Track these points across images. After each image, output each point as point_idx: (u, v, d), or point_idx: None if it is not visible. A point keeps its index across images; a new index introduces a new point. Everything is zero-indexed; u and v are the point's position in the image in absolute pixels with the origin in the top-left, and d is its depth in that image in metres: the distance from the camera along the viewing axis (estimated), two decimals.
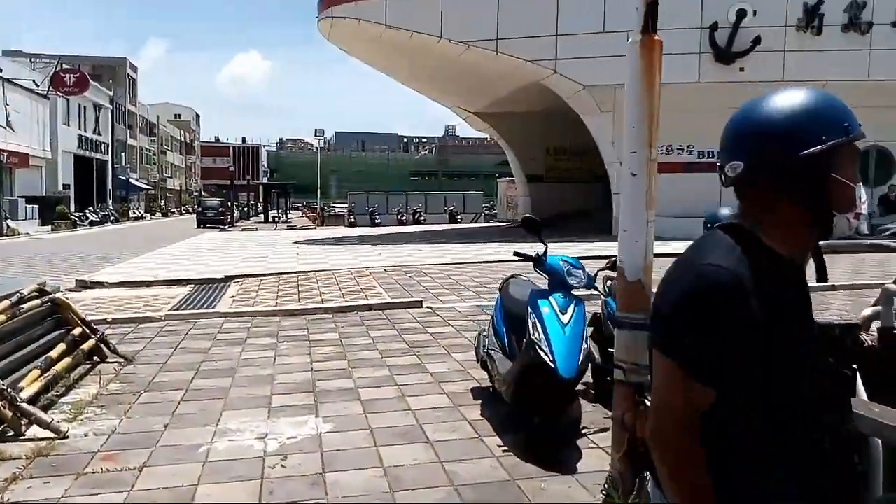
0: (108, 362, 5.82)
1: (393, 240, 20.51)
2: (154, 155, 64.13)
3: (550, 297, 3.92)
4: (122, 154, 51.77)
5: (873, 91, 17.05)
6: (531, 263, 4.36)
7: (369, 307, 8.37)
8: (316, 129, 36.34)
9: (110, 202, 45.26)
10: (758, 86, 17.20)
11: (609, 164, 19.18)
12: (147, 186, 59.35)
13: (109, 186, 46.80)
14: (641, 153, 3.10)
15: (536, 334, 3.68)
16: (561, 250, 14.90)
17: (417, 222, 34.10)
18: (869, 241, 15.68)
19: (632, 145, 3.12)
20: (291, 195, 52.63)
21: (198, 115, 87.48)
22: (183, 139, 76.81)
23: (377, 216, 34.09)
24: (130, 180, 52.43)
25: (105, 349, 5.91)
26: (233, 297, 9.77)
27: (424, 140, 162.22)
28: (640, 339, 2.94)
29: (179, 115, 78.18)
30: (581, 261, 4.37)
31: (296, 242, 20.12)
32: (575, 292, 4.08)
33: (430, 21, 18.49)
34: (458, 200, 37.18)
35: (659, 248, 13.52)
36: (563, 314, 3.78)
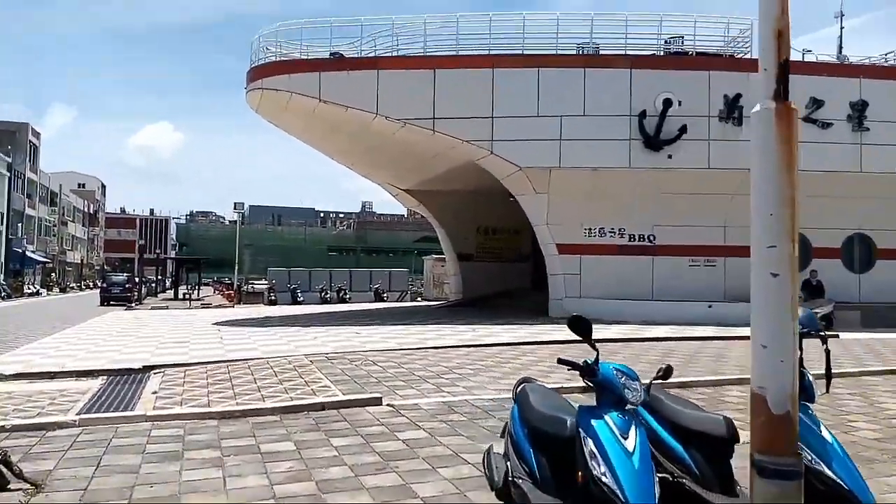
0: (10, 490, 4.63)
1: (322, 321, 19.42)
2: (54, 226, 59.97)
3: (606, 417, 3.28)
4: (19, 224, 47.97)
5: None
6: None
7: (322, 406, 7.41)
8: (235, 203, 34.93)
9: (1, 276, 41.39)
10: (685, 172, 17.98)
11: (544, 244, 19.18)
12: (45, 259, 55.07)
13: (1, 259, 42.94)
14: (784, 247, 2.60)
15: (599, 467, 3.02)
16: (506, 334, 14.47)
17: (342, 301, 32.93)
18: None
19: (769, 238, 2.62)
20: (203, 271, 50.14)
21: (103, 185, 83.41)
22: (86, 210, 72.57)
23: (299, 294, 32.70)
24: (27, 253, 48.43)
25: (6, 472, 4.71)
26: (155, 392, 8.53)
27: (342, 215, 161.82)
28: (788, 490, 2.32)
29: (84, 185, 74.14)
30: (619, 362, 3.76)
31: (216, 324, 18.66)
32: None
33: (366, 97, 18.28)
34: (384, 278, 36.40)
35: (601, 331, 13.01)
36: (625, 438, 3.14)
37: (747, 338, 11.70)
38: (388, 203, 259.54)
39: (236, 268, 35.88)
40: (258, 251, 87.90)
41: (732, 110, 17.86)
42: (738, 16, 18.74)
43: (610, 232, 18.81)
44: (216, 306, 30.04)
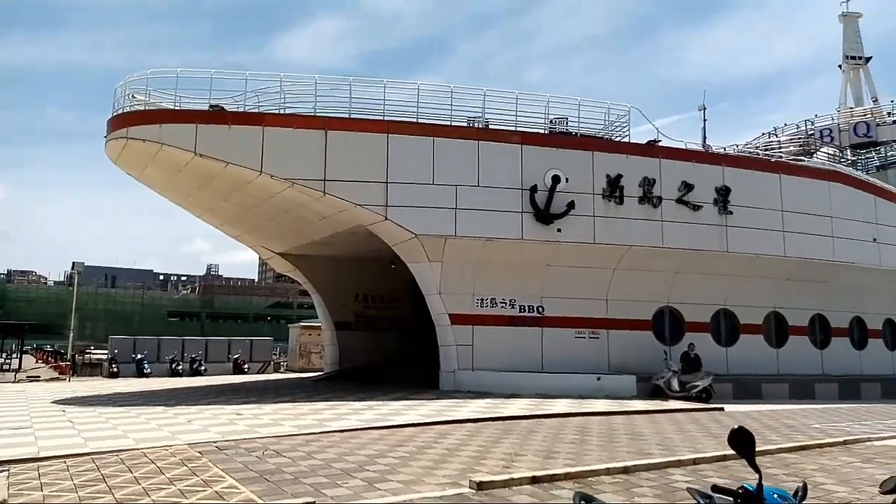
0: None
1: (186, 398, 17.11)
2: None
3: None
4: None
5: (667, 257, 19.16)
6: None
7: None
8: (74, 262, 30.92)
9: None
10: (572, 246, 18.39)
11: (436, 314, 18.55)
12: None
13: None
14: None
15: None
16: (410, 412, 13.40)
17: (196, 373, 29.80)
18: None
19: None
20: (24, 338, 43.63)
21: None
22: None
23: (146, 365, 29.18)
24: None
25: None
26: (4, 502, 6.58)
27: (184, 278, 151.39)
28: None
29: None
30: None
31: (56, 402, 15.78)
32: None
33: (250, 154, 16.97)
34: (245, 347, 33.61)
35: (502, 407, 12.28)
36: None
37: (643, 412, 11.60)
38: (236, 266, 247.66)
39: (71, 335, 31.41)
40: (87, 315, 79.01)
41: (614, 189, 18.69)
42: (618, 101, 19.96)
43: (501, 302, 18.61)
44: (48, 380, 25.84)
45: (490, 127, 18.76)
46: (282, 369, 34.43)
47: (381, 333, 25.09)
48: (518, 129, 18.70)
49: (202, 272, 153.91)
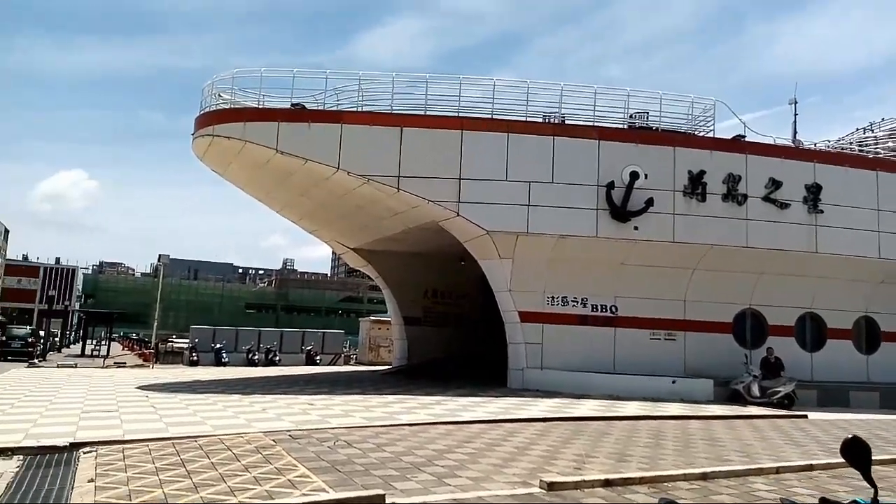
0: None
1: (261, 387, 17.65)
2: None
3: None
4: None
5: (750, 257, 18.30)
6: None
7: None
8: (160, 255, 32.52)
9: None
10: (650, 245, 17.83)
11: (506, 311, 18.40)
12: None
13: None
14: None
15: None
16: (478, 409, 13.36)
17: (271, 363, 30.79)
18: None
19: None
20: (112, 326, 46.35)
21: (6, 231, 77.27)
22: None
23: (224, 355, 30.34)
24: None
25: None
26: (92, 481, 6.92)
27: (262, 272, 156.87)
28: None
29: None
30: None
31: (141, 388, 16.60)
32: None
33: (328, 151, 17.33)
34: (317, 339, 34.47)
35: (572, 408, 11.84)
36: None
37: (720, 417, 10.98)
38: (310, 261, 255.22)
39: (155, 324, 33.05)
40: (170, 306, 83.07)
41: (696, 186, 17.99)
42: (701, 95, 19.21)
43: (573, 301, 18.27)
44: (133, 366, 27.29)
45: (566, 122, 18.43)
46: (352, 362, 35.13)
47: (449, 329, 25.16)
48: (596, 124, 18.29)
49: (279, 266, 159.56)
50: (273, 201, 23.06)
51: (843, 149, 23.06)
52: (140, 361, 31.38)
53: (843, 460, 2.65)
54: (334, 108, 17.97)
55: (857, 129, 34.78)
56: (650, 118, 18.69)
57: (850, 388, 19.20)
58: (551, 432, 11.01)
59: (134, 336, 60.40)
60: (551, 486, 7.13)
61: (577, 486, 7.28)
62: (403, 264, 24.27)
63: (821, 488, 7.76)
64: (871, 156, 21.08)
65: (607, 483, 7.48)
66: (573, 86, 18.65)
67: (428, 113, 17.83)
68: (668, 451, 9.72)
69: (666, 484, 7.72)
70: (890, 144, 24.94)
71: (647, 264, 18.10)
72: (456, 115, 17.83)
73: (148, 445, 8.84)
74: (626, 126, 18.63)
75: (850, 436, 2.62)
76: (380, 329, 34.74)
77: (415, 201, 17.48)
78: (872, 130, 32.43)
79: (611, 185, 17.55)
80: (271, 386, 18.14)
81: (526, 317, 18.04)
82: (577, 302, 18.38)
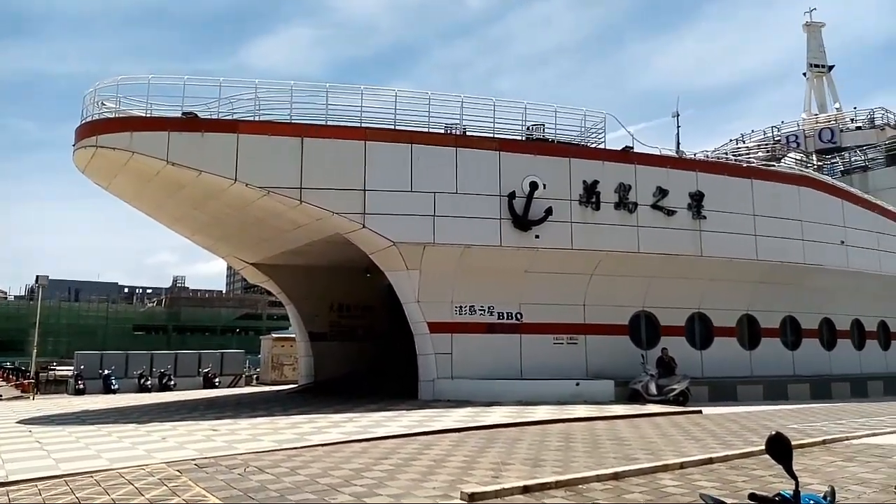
0: None
1: (158, 414, 16.59)
2: None
3: None
4: None
5: (642, 262, 19.30)
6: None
7: None
8: (38, 275, 29.68)
9: None
10: (550, 252, 18.40)
11: (414, 323, 18.37)
12: None
13: None
14: None
15: None
16: (392, 423, 13.17)
17: (166, 388, 29.05)
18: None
19: None
20: None
21: None
22: None
23: (113, 381, 28.33)
24: None
25: None
26: None
27: (150, 291, 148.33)
28: None
29: None
30: None
31: (22, 422, 15.19)
32: None
33: (224, 162, 16.64)
34: (215, 360, 32.90)
35: (484, 416, 12.10)
36: None
37: (624, 417, 11.58)
38: (204, 278, 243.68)
39: (34, 351, 30.35)
40: (50, 330, 76.75)
41: (591, 195, 18.76)
42: (591, 108, 20.09)
43: (480, 310, 18.51)
44: (10, 398, 24.91)
45: (468, 133, 18.71)
46: (253, 382, 33.79)
47: (356, 343, 24.79)
48: (496, 135, 18.68)
49: (168, 284, 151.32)
50: (163, 216, 21.86)
51: (720, 158, 24.91)
52: (18, 393, 28.73)
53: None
54: (229, 118, 17.30)
55: (731, 140, 37.80)
56: (546, 130, 19.33)
57: (737, 383, 20.65)
58: (466, 442, 11.07)
59: (9, 365, 55.24)
60: (472, 497, 7.15)
61: (497, 494, 7.35)
62: (307, 278, 23.69)
63: (722, 479, 8.25)
64: (746, 164, 22.84)
65: (525, 490, 7.59)
66: (473, 97, 19.02)
67: (329, 123, 17.55)
68: (579, 454, 10.02)
69: (581, 486, 7.94)
70: (760, 154, 27.24)
71: (548, 271, 18.64)
72: (359, 125, 17.67)
73: (37, 486, 8.09)
74: (524, 137, 19.17)
75: (773, 433, 2.79)
76: (283, 346, 33.68)
77: (318, 213, 17.11)
78: (744, 141, 35.32)
79: (512, 195, 17.97)
80: (169, 412, 17.11)
81: (435, 327, 18.08)
82: (485, 310, 18.64)
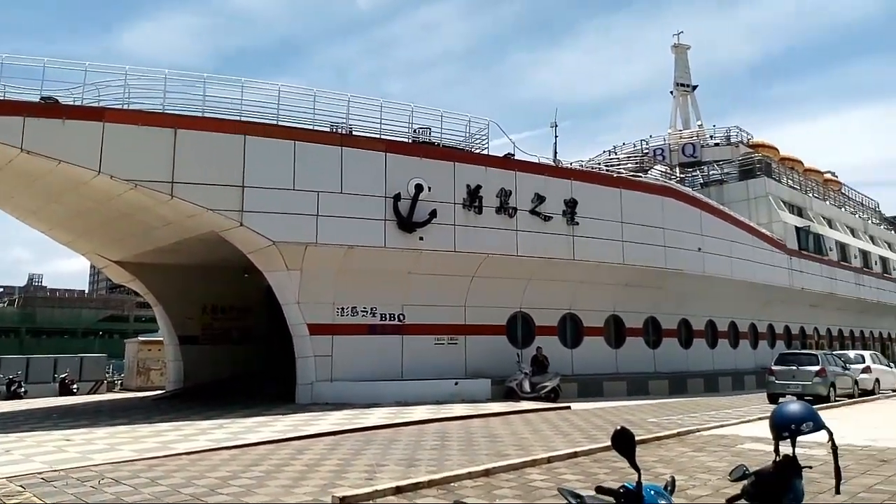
0: None
1: (2, 425, 15.09)
2: None
3: None
4: None
5: (520, 264, 20.00)
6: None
7: None
8: None
9: None
10: (434, 254, 18.63)
11: (294, 325, 17.93)
12: None
13: None
14: None
15: None
16: (264, 429, 12.75)
17: (15, 395, 26.45)
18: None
19: None
20: None
21: None
22: None
23: None
24: None
25: None
26: None
27: (1, 290, 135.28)
28: None
29: None
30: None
31: None
32: None
33: (86, 151, 15.41)
34: (73, 365, 30.35)
35: (361, 418, 12.21)
36: None
37: (498, 414, 12.10)
38: (64, 276, 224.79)
39: None
40: None
41: (474, 199, 19.19)
42: (475, 115, 20.57)
43: (363, 311, 18.39)
44: None
45: (354, 133, 18.54)
46: (116, 389, 31.55)
47: (231, 347, 23.79)
48: (382, 136, 18.65)
49: (23, 283, 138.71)
50: (16, 208, 19.95)
51: (593, 168, 26.32)
52: None
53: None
54: (95, 105, 16.08)
55: (605, 152, 39.99)
56: (432, 134, 19.57)
57: (603, 379, 21.89)
58: (342, 445, 10.94)
59: None
60: (344, 501, 7.08)
61: (369, 496, 7.32)
62: (178, 278, 22.44)
63: (586, 472, 8.70)
64: (616, 175, 24.27)
65: (398, 490, 7.62)
66: (360, 97, 18.89)
67: (206, 115, 16.76)
68: (454, 452, 10.21)
69: (453, 484, 8.08)
70: (630, 165, 29.03)
71: (431, 273, 18.86)
72: (238, 118, 17.00)
73: None
74: (410, 140, 19.28)
75: (618, 427, 2.98)
76: (150, 350, 31.67)
77: (191, 210, 16.29)
78: (616, 153, 37.50)
79: (398, 197, 18.01)
80: (17, 422, 15.60)
81: (315, 329, 17.75)
82: (367, 312, 18.55)
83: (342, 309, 18.13)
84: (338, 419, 14.08)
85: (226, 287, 23.06)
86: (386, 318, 18.76)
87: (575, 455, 9.93)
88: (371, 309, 18.60)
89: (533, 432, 12.49)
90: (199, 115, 16.67)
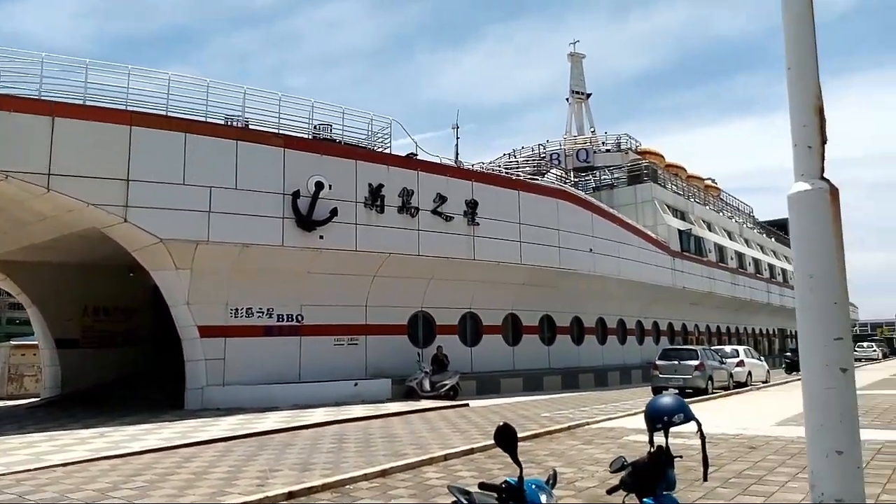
0: None
1: None
2: None
3: None
4: None
5: (422, 264, 20.10)
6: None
7: None
8: None
9: None
10: (334, 253, 18.36)
11: (183, 327, 17.12)
12: None
13: None
14: (848, 341, 2.47)
15: None
16: (149, 437, 12.07)
17: None
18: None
19: (835, 330, 2.46)
20: None
21: None
22: None
23: None
24: None
25: None
26: None
27: None
28: None
29: None
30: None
31: None
32: None
33: None
34: None
35: (255, 422, 12.01)
36: None
37: (397, 414, 12.22)
38: None
39: None
40: None
41: (376, 198, 19.07)
42: (379, 114, 20.45)
43: (258, 312, 17.84)
44: None
45: (251, 127, 17.93)
46: None
47: (115, 350, 22.36)
48: (281, 132, 18.15)
49: None
50: None
51: (493, 170, 26.88)
52: None
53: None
54: None
55: (505, 154, 40.98)
56: (333, 131, 19.27)
57: (500, 376, 22.44)
58: (234, 451, 10.56)
59: None
60: None
61: None
62: (55, 278, 20.84)
63: (480, 468, 8.87)
64: (515, 177, 24.91)
65: (290, 496, 7.45)
66: (257, 90, 18.28)
67: (88, 103, 15.67)
68: (351, 454, 10.11)
69: (348, 486, 8.00)
70: (528, 169, 29.90)
71: (332, 272, 18.58)
72: (124, 108, 16.01)
73: None
74: (310, 136, 18.90)
75: (501, 423, 3.05)
76: (23, 355, 29.19)
77: (70, 204, 15.17)
78: (515, 157, 38.51)
79: (297, 195, 17.59)
80: None
81: (206, 331, 17.01)
82: (263, 313, 18.01)
83: (236, 310, 17.50)
84: (230, 424, 13.57)
85: (109, 287, 21.68)
86: (283, 319, 18.30)
87: (471, 451, 10.10)
88: (268, 310, 18.08)
89: (431, 430, 12.58)
90: (81, 102, 15.56)
